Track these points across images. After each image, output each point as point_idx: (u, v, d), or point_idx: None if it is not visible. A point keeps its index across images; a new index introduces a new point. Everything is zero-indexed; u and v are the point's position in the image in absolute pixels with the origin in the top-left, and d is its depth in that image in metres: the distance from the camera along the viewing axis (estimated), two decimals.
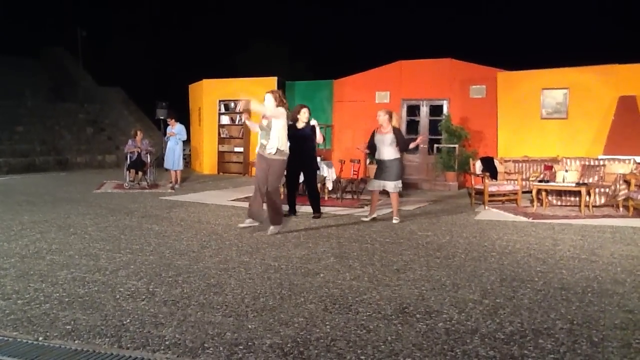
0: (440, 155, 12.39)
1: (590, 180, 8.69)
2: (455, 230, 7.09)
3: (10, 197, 10.03)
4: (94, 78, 21.65)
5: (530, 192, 8.88)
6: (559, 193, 8.91)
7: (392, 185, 7.56)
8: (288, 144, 6.80)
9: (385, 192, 7.89)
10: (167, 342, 3.31)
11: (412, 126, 13.65)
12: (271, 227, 6.66)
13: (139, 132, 12.06)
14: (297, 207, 8.21)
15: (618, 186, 8.34)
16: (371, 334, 3.46)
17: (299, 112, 7.94)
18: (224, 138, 15.84)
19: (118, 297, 4.18)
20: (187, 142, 14.72)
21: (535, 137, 11.63)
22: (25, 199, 9.82)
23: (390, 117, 7.66)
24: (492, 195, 9.20)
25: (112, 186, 11.97)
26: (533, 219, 7.87)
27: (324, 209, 8.25)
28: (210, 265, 5.16)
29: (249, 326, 3.57)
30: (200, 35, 27.08)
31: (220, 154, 15.88)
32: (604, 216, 8.00)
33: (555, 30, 23.50)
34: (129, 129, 16.41)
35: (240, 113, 14.32)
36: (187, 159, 16.80)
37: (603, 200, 8.61)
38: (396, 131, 7.63)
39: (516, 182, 9.33)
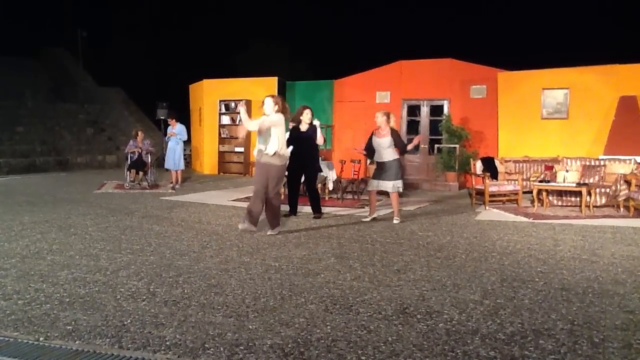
0: (441, 156, 12.38)
1: (591, 180, 8.68)
2: (455, 230, 7.09)
3: (10, 198, 10.04)
4: (94, 78, 21.66)
5: (531, 192, 8.88)
6: (560, 193, 8.91)
7: (390, 185, 7.56)
8: (287, 148, 6.78)
9: (385, 192, 7.89)
10: (167, 343, 3.31)
11: (413, 126, 13.65)
12: (269, 231, 6.66)
13: (139, 133, 12.07)
14: (298, 208, 8.21)
15: (619, 186, 8.34)
16: (372, 334, 3.46)
17: (301, 114, 7.95)
18: (225, 138, 15.85)
19: (119, 297, 4.18)
20: (187, 142, 14.72)
21: (535, 137, 11.62)
22: (25, 199, 9.82)
23: (388, 118, 7.66)
24: (492, 195, 9.20)
25: (113, 186, 11.98)
26: (534, 219, 7.87)
27: (324, 209, 8.25)
28: (211, 265, 5.16)
29: (250, 326, 3.57)
30: (200, 35, 27.13)
31: (221, 154, 15.88)
32: (604, 216, 7.99)
33: (556, 30, 23.53)
34: (130, 129, 16.42)
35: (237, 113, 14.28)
36: (188, 159, 16.80)
37: (604, 201, 8.61)
38: (394, 134, 7.64)
39: (517, 182, 9.33)
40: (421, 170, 13.14)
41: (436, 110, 13.25)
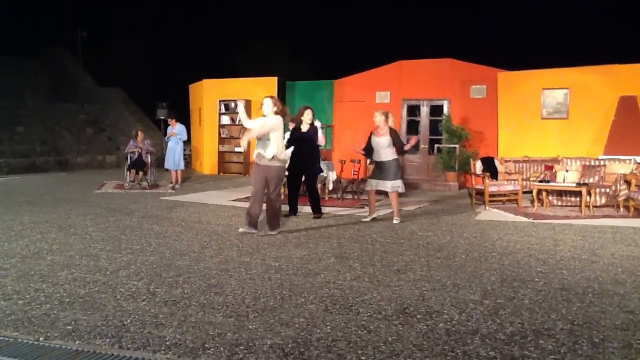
0: (441, 156, 12.38)
1: (591, 180, 8.68)
2: (455, 230, 7.09)
3: (10, 198, 10.04)
4: (94, 78, 21.66)
5: (531, 192, 8.88)
6: (560, 193, 8.91)
7: (390, 185, 7.56)
8: (286, 150, 6.77)
9: (384, 192, 7.89)
10: (167, 343, 3.31)
11: (413, 126, 13.64)
12: (269, 231, 6.66)
13: (139, 133, 12.07)
14: (298, 208, 8.20)
15: (618, 186, 8.34)
16: (372, 334, 3.46)
17: (302, 114, 7.95)
18: (225, 138, 15.85)
19: (119, 297, 4.18)
20: (187, 142, 14.72)
21: (535, 137, 11.62)
22: (25, 199, 9.82)
23: (387, 117, 7.67)
24: (492, 195, 9.20)
25: (113, 186, 11.98)
26: (533, 219, 7.87)
27: (324, 209, 8.25)
28: (211, 265, 5.16)
29: (250, 326, 3.57)
30: (200, 35, 27.13)
31: (221, 154, 15.88)
32: (604, 216, 7.99)
33: (555, 30, 23.54)
34: (130, 129, 16.42)
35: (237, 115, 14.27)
36: (188, 159, 16.80)
37: (604, 201, 8.61)
38: (393, 133, 7.65)
39: (517, 182, 9.33)
40: (421, 170, 13.13)
41: (436, 110, 13.25)
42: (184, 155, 13.12)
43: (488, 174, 9.25)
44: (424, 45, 20.01)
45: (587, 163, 9.30)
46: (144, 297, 4.17)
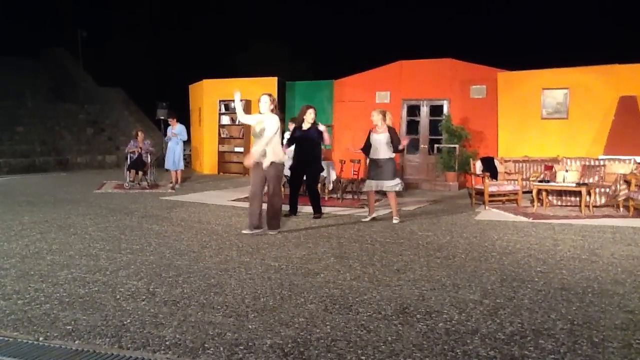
0: (441, 156, 12.38)
1: (591, 180, 8.68)
2: (455, 230, 7.09)
3: (10, 198, 10.04)
4: (94, 78, 21.67)
5: (531, 192, 8.88)
6: (560, 193, 8.91)
7: (390, 185, 7.56)
8: (282, 148, 6.76)
9: (383, 192, 7.89)
10: (167, 343, 3.31)
11: (413, 126, 13.65)
12: (269, 231, 6.66)
13: (140, 133, 12.08)
14: (298, 208, 8.20)
15: (618, 186, 8.34)
16: (371, 334, 3.46)
17: (305, 113, 7.95)
18: (225, 138, 15.85)
19: (118, 297, 4.18)
20: (187, 142, 14.73)
21: (535, 137, 11.62)
22: (25, 199, 9.82)
23: (384, 116, 7.69)
24: (492, 195, 9.20)
25: (113, 186, 11.98)
26: (533, 219, 7.87)
27: (324, 209, 8.25)
28: (211, 265, 5.16)
29: (250, 326, 3.57)
30: (200, 35, 27.12)
31: (221, 154, 15.88)
32: (604, 216, 7.99)
33: (555, 30, 23.56)
34: (130, 129, 16.43)
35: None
36: (188, 159, 16.81)
37: (603, 201, 8.60)
38: (391, 130, 7.67)
39: (516, 182, 9.33)
40: (421, 170, 13.13)
41: (436, 110, 13.25)
42: (184, 155, 13.12)
43: (488, 174, 9.25)
44: (424, 45, 20.01)
45: (587, 163, 9.30)
46: (144, 297, 4.17)
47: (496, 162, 10.02)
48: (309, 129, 7.95)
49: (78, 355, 3.15)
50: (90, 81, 21.47)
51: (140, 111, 21.24)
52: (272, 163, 6.47)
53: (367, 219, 7.72)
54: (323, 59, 24.58)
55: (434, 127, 13.06)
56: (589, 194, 8.28)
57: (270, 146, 6.48)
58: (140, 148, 11.82)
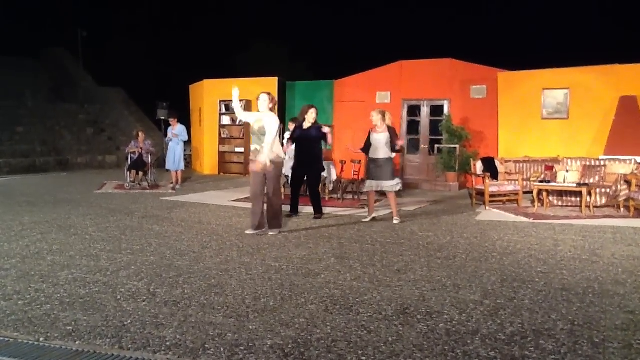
0: (441, 156, 12.37)
1: (591, 180, 8.68)
2: (456, 230, 7.09)
3: (10, 198, 10.04)
4: (94, 78, 21.66)
5: (531, 192, 8.88)
6: (560, 193, 8.90)
7: (390, 185, 7.56)
8: (282, 147, 6.76)
9: (383, 192, 7.89)
10: (168, 343, 3.31)
11: (413, 126, 13.64)
12: (270, 231, 6.66)
13: (140, 133, 12.08)
14: (299, 208, 8.20)
15: (619, 186, 8.34)
16: (372, 334, 3.46)
17: (306, 113, 7.95)
18: (225, 138, 15.84)
19: (119, 297, 4.18)
20: (187, 143, 14.73)
21: (536, 138, 11.61)
22: (25, 199, 9.82)
23: (384, 116, 7.70)
24: (492, 195, 9.20)
25: (113, 187, 11.98)
26: (534, 219, 7.87)
27: (324, 209, 8.25)
28: (211, 265, 5.16)
29: (250, 327, 3.57)
30: (200, 35, 27.11)
31: (221, 154, 15.88)
32: (605, 217, 7.99)
33: (556, 30, 23.54)
34: (130, 129, 16.43)
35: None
36: (188, 160, 16.80)
37: (604, 201, 8.60)
38: (391, 130, 7.68)
39: (517, 182, 9.33)
40: (421, 171, 13.13)
41: (436, 111, 13.24)
42: (185, 155, 13.12)
43: (488, 174, 9.25)
44: (424, 45, 20.00)
45: (588, 163, 9.30)
46: (144, 298, 4.17)
47: (497, 163, 10.03)
48: (309, 128, 7.95)
49: (78, 356, 3.15)
50: (90, 81, 21.46)
51: (141, 111, 21.22)
52: (271, 162, 6.47)
53: (367, 219, 7.72)
54: (323, 59, 24.58)
55: (434, 127, 13.05)
56: (589, 194, 8.28)
57: (270, 140, 6.48)
58: (141, 148, 11.82)
